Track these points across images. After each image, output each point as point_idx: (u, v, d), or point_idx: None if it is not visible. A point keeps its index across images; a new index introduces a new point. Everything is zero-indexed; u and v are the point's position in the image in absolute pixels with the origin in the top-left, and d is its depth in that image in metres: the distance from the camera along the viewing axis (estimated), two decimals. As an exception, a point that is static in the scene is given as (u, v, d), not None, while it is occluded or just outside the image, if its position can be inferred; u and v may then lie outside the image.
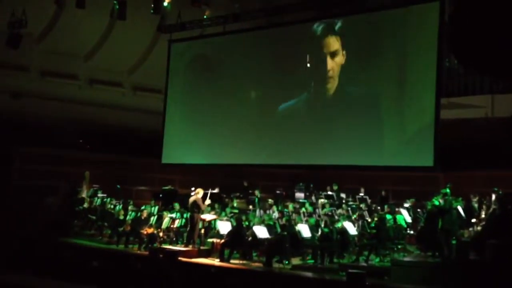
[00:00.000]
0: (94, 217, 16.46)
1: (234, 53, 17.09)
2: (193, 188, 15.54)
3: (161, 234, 14.32)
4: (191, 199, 14.15)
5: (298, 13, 15.71)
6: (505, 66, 8.66)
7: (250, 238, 12.95)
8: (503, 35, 8.09)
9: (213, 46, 17.70)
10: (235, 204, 16.62)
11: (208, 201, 14.38)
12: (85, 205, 17.00)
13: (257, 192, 17.36)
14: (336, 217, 14.03)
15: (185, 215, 14.50)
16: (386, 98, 13.79)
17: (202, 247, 13.92)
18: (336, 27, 15.00)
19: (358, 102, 14.29)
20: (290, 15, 15.96)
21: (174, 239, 14.41)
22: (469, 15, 8.44)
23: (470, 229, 12.66)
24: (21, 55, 17.68)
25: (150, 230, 14.27)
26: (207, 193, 14.54)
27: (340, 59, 14.78)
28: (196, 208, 13.94)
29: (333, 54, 14.91)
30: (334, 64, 14.84)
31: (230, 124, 16.79)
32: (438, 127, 12.73)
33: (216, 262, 12.86)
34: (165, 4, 18.31)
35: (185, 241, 14.06)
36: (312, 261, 12.54)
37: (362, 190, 16.96)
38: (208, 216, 14.55)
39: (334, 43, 14.98)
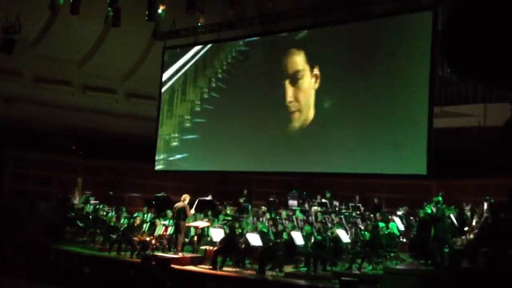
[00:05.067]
0: (82, 224, 16.38)
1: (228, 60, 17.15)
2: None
3: (153, 241, 14.28)
4: (178, 205, 14.10)
5: (293, 20, 15.76)
6: (498, 74, 8.70)
7: (243, 246, 12.94)
8: (497, 44, 8.14)
9: (207, 52, 17.76)
10: (228, 211, 16.61)
11: (192, 211, 14.32)
12: (74, 212, 16.91)
13: (241, 200, 17.42)
14: (329, 224, 14.04)
15: (178, 222, 14.46)
16: (380, 107, 13.84)
17: (195, 255, 13.88)
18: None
19: (352, 111, 14.34)
20: (285, 23, 15.98)
21: (166, 246, 14.35)
22: (462, 24, 8.48)
23: (463, 237, 12.69)
24: (14, 60, 17.68)
25: (143, 238, 14.22)
26: (194, 201, 14.49)
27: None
28: (183, 215, 13.88)
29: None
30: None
31: (224, 130, 16.80)
32: (431, 135, 12.78)
33: (208, 269, 12.83)
34: (160, 11, 18.32)
35: (172, 248, 13.99)
36: (305, 268, 12.52)
37: (357, 198, 16.98)
38: (201, 223, 14.53)
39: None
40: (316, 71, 15.10)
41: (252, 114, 16.28)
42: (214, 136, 16.95)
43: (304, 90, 15.31)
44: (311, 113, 15.11)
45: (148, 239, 14.21)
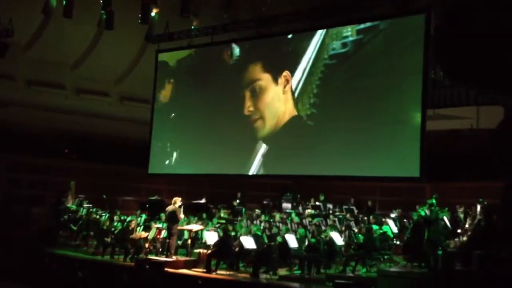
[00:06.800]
0: (75, 228, 16.33)
1: (221, 63, 17.15)
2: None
3: (147, 245, 14.25)
4: (169, 209, 14.08)
5: (287, 24, 15.77)
6: (490, 78, 8.74)
7: (237, 249, 12.93)
8: (489, 47, 8.18)
9: (201, 56, 17.77)
10: (222, 214, 16.60)
11: (182, 215, 14.31)
12: (67, 215, 16.86)
13: (235, 203, 17.42)
14: (323, 227, 14.05)
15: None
16: (373, 109, 13.86)
17: (188, 258, 13.86)
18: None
19: (345, 113, 14.37)
20: (279, 26, 16.00)
21: (160, 249, 14.32)
22: (455, 27, 8.52)
23: (456, 239, 12.72)
24: (7, 64, 17.58)
25: (139, 235, 14.23)
26: (187, 204, 14.50)
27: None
28: (174, 218, 13.86)
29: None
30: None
31: (217, 134, 16.79)
32: (424, 138, 12.82)
33: (202, 272, 12.80)
34: (153, 14, 18.33)
35: (165, 252, 13.98)
36: (299, 271, 12.52)
37: (352, 200, 17.01)
38: (194, 227, 14.51)
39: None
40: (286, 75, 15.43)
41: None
42: (209, 139, 16.98)
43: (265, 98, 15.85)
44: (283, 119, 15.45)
45: (144, 235, 14.19)
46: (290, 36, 15.93)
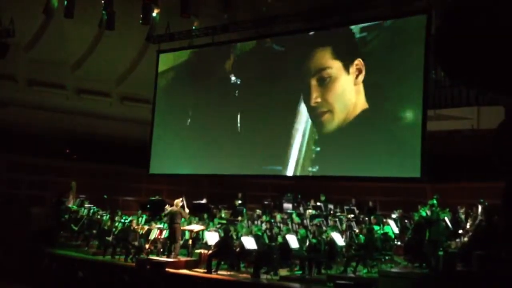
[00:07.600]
0: (76, 228, 16.34)
1: (222, 64, 17.13)
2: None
3: (147, 245, 14.25)
4: (172, 209, 14.07)
5: (287, 24, 15.77)
6: (490, 78, 8.74)
7: (238, 249, 12.93)
8: (489, 47, 8.17)
9: (201, 56, 17.76)
10: (222, 215, 16.60)
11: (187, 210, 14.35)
12: (68, 215, 16.86)
13: (236, 202, 17.40)
14: (324, 227, 14.04)
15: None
16: (374, 110, 13.85)
17: (189, 258, 13.86)
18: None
19: (345, 114, 14.35)
20: (280, 26, 15.99)
21: (161, 250, 14.32)
22: (455, 27, 8.51)
23: (457, 240, 12.73)
24: (8, 64, 17.59)
25: (143, 228, 14.24)
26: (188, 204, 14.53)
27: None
28: (177, 218, 13.86)
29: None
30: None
31: (218, 134, 16.78)
32: (425, 138, 12.81)
33: (203, 273, 12.80)
34: (154, 14, 18.36)
35: (166, 252, 13.97)
36: (300, 272, 12.52)
37: (353, 201, 16.99)
38: (195, 227, 14.52)
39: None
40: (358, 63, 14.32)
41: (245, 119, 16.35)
42: (210, 139, 16.96)
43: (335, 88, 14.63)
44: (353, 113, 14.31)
45: (146, 229, 14.17)
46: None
